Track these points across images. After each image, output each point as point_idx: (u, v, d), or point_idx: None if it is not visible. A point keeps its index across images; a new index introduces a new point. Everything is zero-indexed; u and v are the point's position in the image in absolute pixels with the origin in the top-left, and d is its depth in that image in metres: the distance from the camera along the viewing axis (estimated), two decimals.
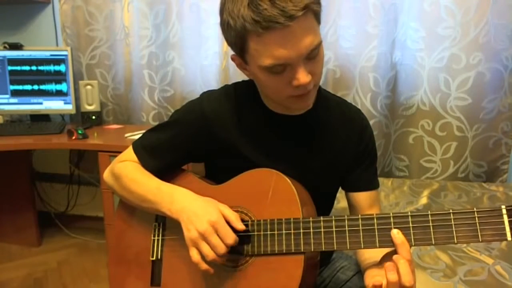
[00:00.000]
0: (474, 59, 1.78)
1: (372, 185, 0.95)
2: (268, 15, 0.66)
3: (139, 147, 0.94)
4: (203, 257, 0.77)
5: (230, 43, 0.78)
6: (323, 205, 0.94)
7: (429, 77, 1.86)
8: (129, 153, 0.95)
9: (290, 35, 0.68)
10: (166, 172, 0.94)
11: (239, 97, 0.90)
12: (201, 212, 0.78)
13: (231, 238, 0.75)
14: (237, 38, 0.73)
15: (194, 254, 0.77)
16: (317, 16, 0.73)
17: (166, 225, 0.91)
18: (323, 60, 0.77)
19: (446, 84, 1.84)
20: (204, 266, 0.77)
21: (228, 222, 0.78)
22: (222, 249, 0.74)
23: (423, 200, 1.63)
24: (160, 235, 0.91)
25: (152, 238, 0.92)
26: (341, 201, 1.51)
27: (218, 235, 0.75)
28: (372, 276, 0.72)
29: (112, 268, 0.97)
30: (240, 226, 0.77)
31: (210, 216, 0.77)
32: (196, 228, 0.76)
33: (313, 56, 0.73)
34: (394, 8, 1.81)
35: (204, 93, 0.93)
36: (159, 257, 0.90)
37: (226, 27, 0.74)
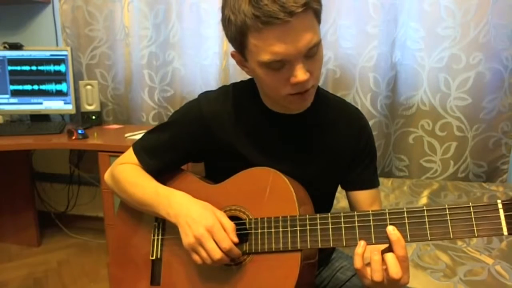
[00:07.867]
0: (474, 59, 1.78)
1: (372, 183, 0.95)
2: (268, 11, 0.67)
3: (139, 148, 0.95)
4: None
5: (230, 39, 0.78)
6: (323, 205, 0.93)
7: (429, 77, 1.85)
8: (129, 155, 0.96)
9: (289, 31, 0.69)
10: (166, 172, 0.94)
11: (237, 97, 0.90)
12: (198, 217, 0.78)
13: (227, 243, 0.75)
14: (238, 33, 0.73)
15: (196, 258, 0.78)
16: (317, 15, 0.73)
17: (165, 224, 0.91)
18: (322, 60, 0.77)
19: (446, 84, 1.84)
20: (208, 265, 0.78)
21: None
22: (217, 253, 0.75)
23: (423, 200, 1.63)
24: (160, 234, 0.92)
25: (152, 237, 0.92)
26: (341, 200, 1.51)
27: (214, 239, 0.76)
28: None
29: (112, 268, 0.97)
30: (234, 238, 0.77)
31: (206, 221, 0.77)
32: (193, 233, 0.77)
33: (312, 54, 0.73)
34: (394, 8, 1.81)
35: (201, 94, 0.93)
36: (158, 256, 0.90)
37: (227, 22, 0.75)
